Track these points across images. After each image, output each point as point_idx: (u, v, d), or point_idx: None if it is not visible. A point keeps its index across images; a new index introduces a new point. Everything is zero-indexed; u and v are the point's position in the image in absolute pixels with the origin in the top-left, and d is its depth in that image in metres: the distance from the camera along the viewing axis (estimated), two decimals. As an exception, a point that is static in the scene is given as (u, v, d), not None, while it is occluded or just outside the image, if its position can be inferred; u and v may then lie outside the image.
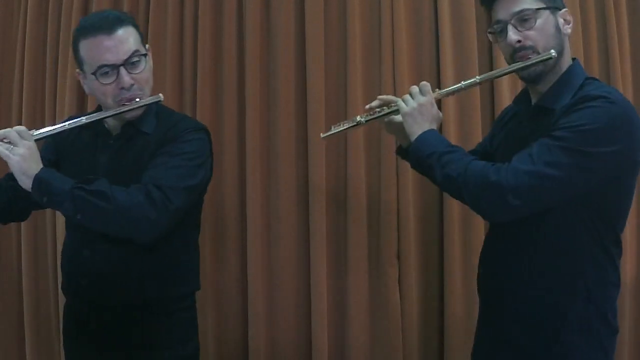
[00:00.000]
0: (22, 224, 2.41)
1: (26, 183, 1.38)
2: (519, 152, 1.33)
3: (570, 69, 1.42)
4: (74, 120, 1.50)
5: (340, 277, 2.16)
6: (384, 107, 1.59)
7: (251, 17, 2.21)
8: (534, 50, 1.38)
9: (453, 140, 1.99)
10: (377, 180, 2.14)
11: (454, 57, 2.11)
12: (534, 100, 1.47)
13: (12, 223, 2.34)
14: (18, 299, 2.46)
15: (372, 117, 1.60)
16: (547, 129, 1.33)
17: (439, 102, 1.57)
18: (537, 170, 1.27)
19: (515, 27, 1.39)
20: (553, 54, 1.37)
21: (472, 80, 1.52)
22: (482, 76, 1.53)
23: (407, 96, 1.50)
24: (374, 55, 2.17)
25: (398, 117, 1.59)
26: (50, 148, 1.62)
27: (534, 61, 1.38)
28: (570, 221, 1.34)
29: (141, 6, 2.32)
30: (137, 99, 1.48)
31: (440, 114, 1.54)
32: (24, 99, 2.44)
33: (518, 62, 1.40)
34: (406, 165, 1.77)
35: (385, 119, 1.61)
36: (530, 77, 1.41)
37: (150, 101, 1.51)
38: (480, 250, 1.61)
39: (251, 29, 2.21)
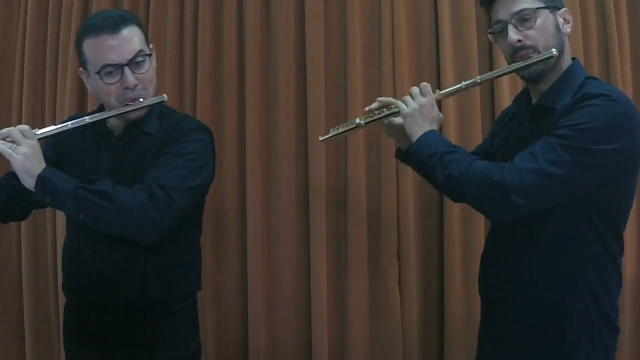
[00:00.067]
0: (22, 223, 2.41)
1: (29, 182, 1.37)
2: (520, 151, 1.33)
3: (570, 68, 1.42)
4: (77, 120, 1.49)
5: (340, 277, 2.16)
6: (384, 109, 1.59)
7: (251, 17, 2.21)
8: (535, 49, 1.38)
9: (453, 141, 1.98)
10: (377, 180, 2.14)
11: (454, 57, 2.11)
12: (534, 100, 1.47)
13: (12, 223, 2.36)
14: (18, 299, 2.46)
15: (372, 119, 1.59)
16: (547, 128, 1.33)
17: (439, 102, 1.56)
18: (540, 169, 1.27)
19: (516, 27, 1.39)
20: (554, 53, 1.37)
21: (473, 80, 1.52)
22: (482, 76, 1.53)
23: (408, 97, 1.50)
24: (374, 55, 2.17)
25: (397, 119, 1.59)
26: (51, 147, 1.62)
27: (535, 60, 1.38)
28: (571, 220, 1.34)
29: (141, 6, 2.32)
30: (141, 99, 1.48)
31: (441, 114, 1.53)
32: (24, 99, 2.44)
33: (518, 61, 1.40)
34: (406, 165, 1.77)
35: (385, 121, 1.61)
36: (531, 77, 1.41)
37: (154, 101, 1.51)
38: (480, 250, 1.61)
39: (251, 29, 2.21)
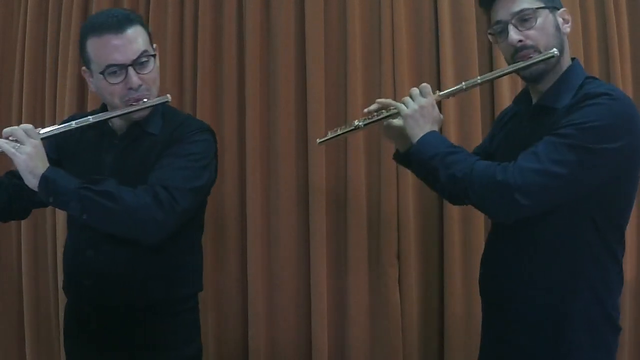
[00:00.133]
0: (22, 223, 2.41)
1: (32, 182, 1.36)
2: (520, 151, 1.33)
3: (570, 68, 1.43)
4: (81, 120, 1.48)
5: (340, 277, 2.16)
6: (383, 111, 1.58)
7: (251, 17, 2.21)
8: (536, 49, 1.38)
9: (453, 141, 1.98)
10: (377, 180, 2.14)
11: (454, 57, 2.11)
12: (534, 100, 1.47)
13: (12, 223, 2.36)
14: (18, 299, 2.46)
15: (371, 120, 1.59)
16: (548, 128, 1.33)
17: (439, 103, 1.56)
18: (544, 169, 1.26)
19: (516, 27, 1.39)
20: (556, 52, 1.37)
21: (473, 80, 1.52)
22: (483, 76, 1.53)
23: (408, 98, 1.50)
24: (374, 55, 2.17)
25: (397, 121, 1.58)
26: (51, 147, 1.60)
27: (536, 60, 1.38)
28: (574, 220, 1.34)
29: (141, 6, 2.32)
30: (145, 99, 1.47)
31: (441, 115, 1.53)
32: (24, 99, 2.44)
33: (519, 61, 1.40)
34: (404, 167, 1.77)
35: (384, 123, 1.60)
36: (532, 77, 1.41)
37: (158, 102, 1.50)
38: (480, 250, 1.61)
39: (251, 29, 2.21)
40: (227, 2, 2.25)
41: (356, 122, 1.60)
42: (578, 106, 1.30)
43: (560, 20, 1.42)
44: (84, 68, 1.53)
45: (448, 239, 2.08)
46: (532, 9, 1.38)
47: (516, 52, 1.40)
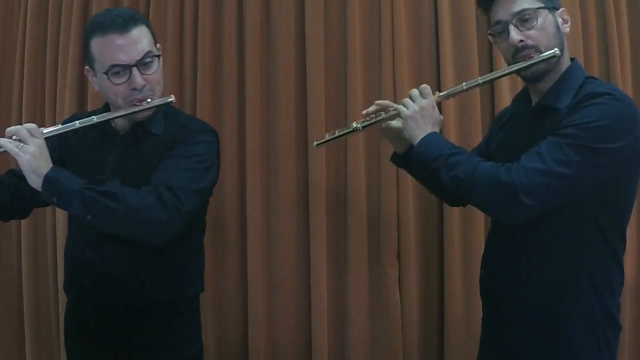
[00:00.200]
0: (22, 223, 2.41)
1: (36, 182, 1.36)
2: (521, 151, 1.33)
3: (570, 68, 1.43)
4: (85, 120, 1.47)
5: (340, 277, 2.16)
6: (381, 112, 1.58)
7: (251, 17, 2.21)
8: (537, 49, 1.38)
9: (453, 141, 1.98)
10: (377, 180, 2.14)
11: (454, 57, 2.11)
12: (534, 100, 1.47)
13: (12, 222, 2.36)
14: (18, 299, 2.46)
15: (369, 122, 1.58)
16: (549, 128, 1.33)
17: (439, 103, 1.56)
18: (548, 169, 1.26)
19: (517, 27, 1.39)
20: (557, 52, 1.37)
21: (474, 81, 1.51)
22: (484, 77, 1.52)
23: (407, 100, 1.49)
24: (374, 55, 2.17)
25: (395, 122, 1.58)
26: (53, 146, 1.59)
27: (538, 59, 1.38)
28: (575, 220, 1.34)
29: (141, 6, 2.32)
30: (149, 100, 1.47)
31: (442, 116, 1.53)
32: (24, 99, 2.44)
33: (520, 61, 1.40)
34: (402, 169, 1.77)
35: (383, 125, 1.60)
36: (534, 76, 1.41)
37: (162, 102, 1.50)
38: (480, 250, 1.61)
39: (251, 29, 2.21)
40: (227, 2, 2.25)
41: (354, 125, 1.59)
42: (580, 106, 1.30)
43: (559, 20, 1.42)
44: (87, 67, 1.52)
45: (448, 239, 2.08)
46: (532, 9, 1.38)
47: (517, 52, 1.40)
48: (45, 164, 1.36)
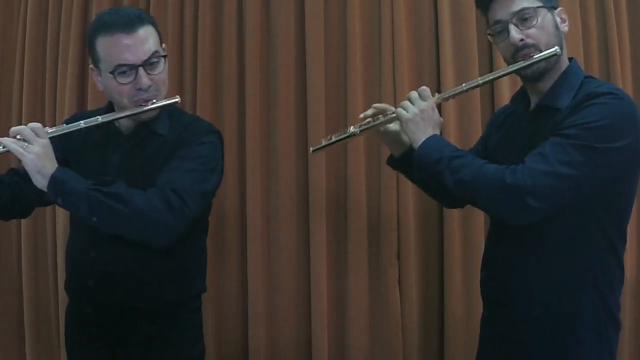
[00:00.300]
0: (22, 223, 2.41)
1: (41, 182, 1.35)
2: (520, 151, 1.33)
3: (569, 68, 1.43)
4: (90, 120, 1.46)
5: (340, 277, 2.16)
6: (379, 116, 1.57)
7: (251, 17, 2.21)
8: (537, 48, 1.38)
9: (453, 141, 1.99)
10: (377, 179, 2.14)
11: (454, 57, 2.11)
12: (533, 100, 1.47)
13: (12, 222, 2.36)
14: (18, 299, 2.45)
15: (367, 126, 1.57)
16: (551, 128, 1.33)
17: (438, 104, 1.55)
18: (553, 171, 1.26)
19: (517, 26, 1.39)
20: (557, 50, 1.37)
21: (474, 81, 1.51)
22: (484, 77, 1.51)
23: (407, 102, 1.48)
24: (374, 55, 2.17)
25: (393, 126, 1.58)
26: (57, 146, 1.55)
27: (539, 58, 1.37)
28: (578, 219, 1.34)
29: (141, 6, 2.32)
30: (154, 100, 1.46)
31: (441, 118, 1.52)
32: (24, 99, 2.43)
33: (520, 61, 1.40)
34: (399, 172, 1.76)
35: (381, 128, 1.59)
36: (534, 75, 1.40)
37: (168, 103, 1.49)
38: (480, 250, 1.60)
39: (251, 29, 2.21)
40: (227, 2, 2.25)
41: (352, 129, 1.58)
42: (582, 106, 1.30)
43: (558, 19, 1.42)
44: (91, 66, 1.51)
45: (448, 239, 2.08)
46: (532, 7, 1.38)
47: (517, 52, 1.40)
48: (50, 164, 1.35)
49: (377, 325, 2.13)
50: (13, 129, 1.38)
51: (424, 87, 1.50)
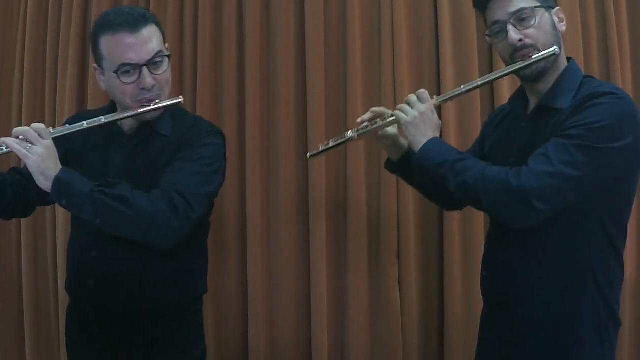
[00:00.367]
0: (22, 222, 2.41)
1: (44, 184, 1.34)
2: (519, 151, 1.33)
3: (568, 68, 1.43)
4: (93, 120, 1.45)
5: (340, 277, 2.16)
6: (377, 120, 1.56)
7: (251, 17, 2.21)
8: (535, 48, 1.38)
9: (453, 142, 1.99)
10: (377, 180, 2.14)
11: (454, 57, 2.11)
12: (532, 100, 1.47)
13: (12, 222, 2.36)
14: (18, 299, 2.45)
15: (365, 130, 1.56)
16: (552, 128, 1.33)
17: (438, 106, 1.55)
18: (557, 172, 1.26)
19: (515, 27, 1.38)
20: (556, 50, 1.37)
21: (473, 83, 1.50)
22: (483, 78, 1.51)
23: (405, 106, 1.47)
24: (374, 55, 2.17)
25: (391, 129, 1.57)
26: (58, 145, 1.53)
27: (537, 58, 1.37)
28: (580, 220, 1.34)
29: (141, 6, 2.32)
30: (157, 100, 1.45)
31: (440, 121, 1.51)
32: (24, 99, 2.43)
33: (519, 61, 1.40)
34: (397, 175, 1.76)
35: (379, 132, 1.58)
36: (533, 76, 1.40)
37: (171, 103, 1.48)
38: (480, 250, 1.60)
39: (251, 29, 2.21)
40: (227, 2, 2.25)
41: (349, 134, 1.58)
42: (584, 107, 1.30)
43: (556, 19, 1.42)
44: (94, 65, 1.50)
45: (448, 239, 2.08)
46: (530, 8, 1.38)
47: (515, 52, 1.39)
48: (53, 166, 1.35)
49: (377, 325, 2.13)
50: (16, 129, 1.37)
51: (422, 90, 1.49)
